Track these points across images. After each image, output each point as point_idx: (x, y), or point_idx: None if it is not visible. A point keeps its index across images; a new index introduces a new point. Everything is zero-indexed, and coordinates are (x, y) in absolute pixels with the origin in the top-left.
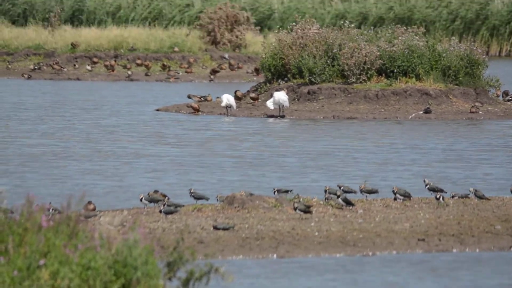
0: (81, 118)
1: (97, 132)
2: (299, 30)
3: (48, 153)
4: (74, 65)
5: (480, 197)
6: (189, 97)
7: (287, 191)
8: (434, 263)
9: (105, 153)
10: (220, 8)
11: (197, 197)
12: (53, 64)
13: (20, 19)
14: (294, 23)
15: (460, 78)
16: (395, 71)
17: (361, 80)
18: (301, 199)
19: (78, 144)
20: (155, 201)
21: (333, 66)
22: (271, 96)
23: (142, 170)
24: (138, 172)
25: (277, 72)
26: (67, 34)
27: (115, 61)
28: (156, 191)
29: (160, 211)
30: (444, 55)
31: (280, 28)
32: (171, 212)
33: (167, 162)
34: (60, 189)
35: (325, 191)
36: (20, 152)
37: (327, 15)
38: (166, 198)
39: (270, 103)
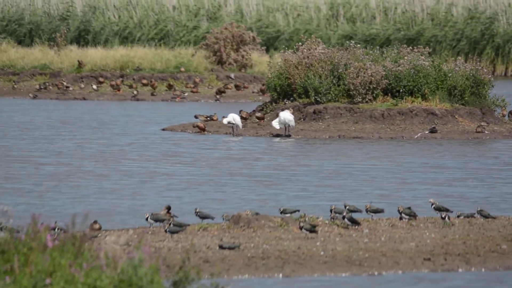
0: (91, 138)
1: (109, 151)
2: (305, 50)
3: (64, 172)
4: (80, 85)
5: (486, 217)
6: (196, 117)
7: (293, 211)
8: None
9: (121, 172)
10: (226, 28)
11: (203, 217)
12: (59, 83)
13: (26, 39)
14: (300, 43)
15: (466, 98)
16: (401, 90)
17: (367, 99)
18: (306, 219)
19: (93, 163)
20: (161, 220)
21: (338, 85)
22: (277, 115)
23: (160, 189)
24: (157, 190)
25: (283, 91)
26: (73, 54)
27: (121, 81)
28: (168, 207)
29: (165, 231)
30: (450, 74)
31: (286, 48)
32: (176, 232)
33: (185, 181)
34: (81, 208)
35: (331, 210)
36: (35, 172)
37: (334, 36)
38: (172, 217)
39: (276, 123)
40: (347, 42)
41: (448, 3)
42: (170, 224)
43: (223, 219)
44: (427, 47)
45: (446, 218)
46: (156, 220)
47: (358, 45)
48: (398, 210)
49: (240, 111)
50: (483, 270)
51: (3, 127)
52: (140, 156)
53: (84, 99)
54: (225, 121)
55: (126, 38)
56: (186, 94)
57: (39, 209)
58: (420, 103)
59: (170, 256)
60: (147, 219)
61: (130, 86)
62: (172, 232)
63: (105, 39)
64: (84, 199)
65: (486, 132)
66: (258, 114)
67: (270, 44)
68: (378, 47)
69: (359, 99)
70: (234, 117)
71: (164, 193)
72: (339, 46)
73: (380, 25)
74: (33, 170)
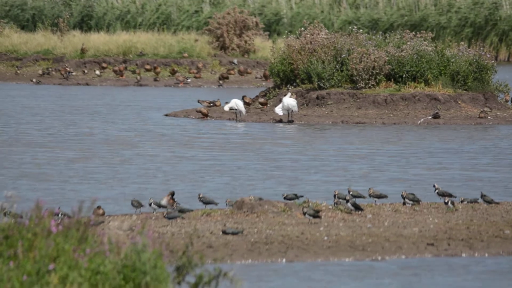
0: (97, 124)
1: (124, 137)
2: (307, 35)
3: (82, 159)
4: (83, 70)
5: (489, 202)
6: (199, 102)
7: (296, 197)
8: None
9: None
10: (228, 13)
11: (206, 202)
12: (62, 69)
13: (29, 24)
14: (302, 28)
15: (469, 83)
16: (404, 76)
17: (369, 85)
18: (310, 204)
19: (113, 149)
20: (164, 206)
21: (341, 71)
22: (280, 101)
23: (184, 173)
24: (179, 175)
25: (285, 77)
26: (76, 39)
27: (125, 66)
28: (172, 193)
29: (164, 216)
30: (453, 60)
31: (289, 33)
32: (174, 217)
33: (208, 166)
34: (116, 193)
35: (334, 195)
36: (50, 158)
37: (336, 20)
38: (175, 203)
39: (279, 109)
40: (350, 28)
41: None
42: (173, 209)
43: (226, 204)
44: (430, 32)
45: (449, 203)
46: (159, 206)
47: (361, 31)
48: (402, 195)
49: (243, 96)
50: (486, 255)
51: (11, 112)
52: (156, 142)
53: (87, 84)
54: (226, 107)
55: (128, 23)
56: (189, 80)
57: (66, 195)
58: (423, 88)
59: (174, 241)
60: (150, 204)
61: (133, 72)
62: (170, 218)
63: (107, 24)
64: (117, 185)
65: (489, 117)
66: (261, 100)
67: (271, 29)
68: (381, 33)
69: (362, 85)
70: (236, 103)
71: (191, 176)
72: (342, 31)
73: (383, 10)
74: (52, 156)
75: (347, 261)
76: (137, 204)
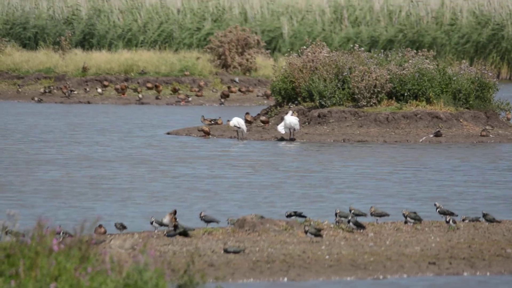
0: (102, 142)
1: (135, 155)
2: (309, 53)
3: (99, 176)
4: (85, 88)
5: (491, 221)
6: (202, 121)
7: (298, 215)
8: None
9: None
10: (230, 31)
11: (208, 220)
12: (63, 87)
13: (30, 43)
14: (304, 47)
15: (471, 102)
16: (406, 94)
17: (371, 103)
18: (311, 222)
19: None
20: (166, 224)
21: (343, 89)
22: (282, 119)
23: (198, 192)
24: (195, 194)
25: (287, 95)
26: (77, 57)
27: (125, 85)
28: (174, 212)
29: (165, 235)
30: (454, 78)
31: (290, 51)
32: (174, 235)
33: (226, 185)
34: (129, 212)
35: (336, 214)
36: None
37: (337, 38)
38: (177, 221)
39: (281, 127)
40: (351, 45)
41: (453, 7)
42: (175, 228)
43: (228, 223)
44: (431, 50)
45: (451, 221)
46: (161, 224)
47: (362, 49)
48: (403, 214)
49: (246, 113)
50: (488, 274)
51: (12, 131)
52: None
53: (88, 102)
54: (231, 123)
55: (130, 41)
56: (190, 98)
57: (88, 213)
58: (424, 106)
59: (175, 260)
60: (151, 223)
61: (135, 90)
62: (170, 236)
63: (109, 42)
64: (131, 203)
65: (491, 135)
66: (263, 118)
67: (271, 46)
68: (382, 50)
69: (363, 103)
70: (238, 121)
71: (205, 194)
72: (342, 48)
73: (384, 28)
74: (61, 174)
75: (348, 280)
76: (120, 227)
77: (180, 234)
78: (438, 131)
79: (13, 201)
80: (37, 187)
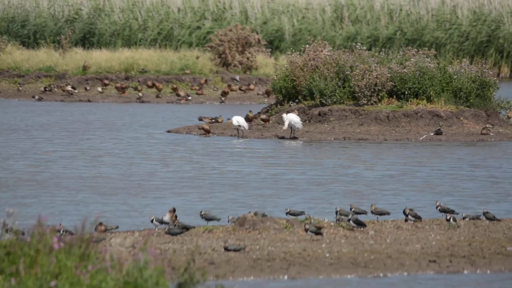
0: (107, 139)
1: (135, 153)
2: (310, 52)
3: (109, 176)
4: (85, 87)
5: (491, 219)
6: (200, 119)
7: (298, 213)
8: None
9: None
10: (230, 30)
11: (208, 219)
12: (64, 86)
13: (31, 41)
14: (306, 45)
15: (471, 100)
16: (406, 92)
17: (372, 101)
18: (312, 221)
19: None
20: (166, 222)
21: (344, 87)
22: (281, 118)
23: (199, 190)
24: (195, 192)
25: (288, 94)
26: (78, 56)
27: (126, 84)
28: (174, 209)
29: (166, 232)
30: (455, 77)
31: (292, 50)
32: (175, 233)
33: (227, 183)
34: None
35: (336, 212)
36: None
37: (338, 36)
38: (176, 219)
39: (287, 121)
40: (352, 44)
41: (453, 5)
42: (175, 225)
43: (228, 221)
44: (432, 49)
45: (451, 219)
46: (161, 222)
47: (364, 47)
48: (404, 212)
49: (249, 111)
50: (488, 272)
51: (16, 128)
52: (165, 158)
53: (89, 101)
54: (234, 122)
55: (129, 39)
56: (189, 97)
57: (85, 210)
58: (425, 105)
59: (175, 258)
60: (152, 221)
61: (135, 88)
62: (172, 234)
63: (108, 40)
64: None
65: (491, 134)
66: (263, 116)
67: (273, 45)
68: (382, 48)
69: (364, 101)
70: (238, 120)
71: (232, 192)
72: (343, 47)
73: (385, 27)
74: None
75: (349, 278)
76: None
77: (182, 232)
78: (439, 129)
79: (14, 199)
80: (37, 184)
